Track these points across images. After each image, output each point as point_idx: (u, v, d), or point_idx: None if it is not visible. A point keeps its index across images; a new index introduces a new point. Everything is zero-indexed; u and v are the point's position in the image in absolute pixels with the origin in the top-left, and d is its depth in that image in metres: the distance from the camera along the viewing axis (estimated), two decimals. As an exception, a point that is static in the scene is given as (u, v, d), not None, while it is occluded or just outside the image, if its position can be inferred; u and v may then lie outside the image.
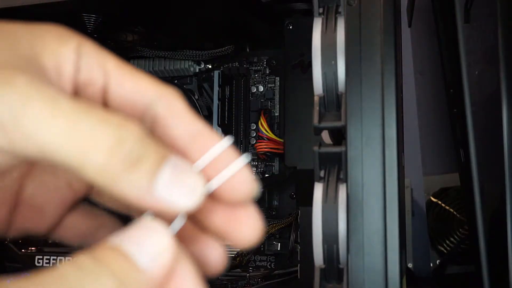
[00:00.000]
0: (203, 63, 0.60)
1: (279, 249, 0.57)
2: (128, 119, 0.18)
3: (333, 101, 0.31)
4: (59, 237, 0.24)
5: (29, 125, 0.17)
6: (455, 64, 0.45)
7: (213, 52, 0.57)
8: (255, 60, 0.61)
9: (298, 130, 0.51)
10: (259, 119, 0.59)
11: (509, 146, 0.36)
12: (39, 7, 0.44)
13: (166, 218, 0.19)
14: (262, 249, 0.58)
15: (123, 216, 0.24)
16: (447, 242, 0.77)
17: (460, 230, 0.77)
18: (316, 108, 0.30)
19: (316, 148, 0.30)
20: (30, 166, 0.22)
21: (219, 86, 0.59)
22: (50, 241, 0.62)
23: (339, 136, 0.35)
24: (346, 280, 0.29)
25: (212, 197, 0.20)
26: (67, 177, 0.23)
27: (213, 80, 0.59)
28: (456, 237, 0.77)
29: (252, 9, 0.51)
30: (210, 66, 0.60)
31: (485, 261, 0.39)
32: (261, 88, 0.61)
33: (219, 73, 0.59)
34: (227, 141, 0.20)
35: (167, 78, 0.61)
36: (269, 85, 0.61)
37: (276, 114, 0.60)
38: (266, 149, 0.58)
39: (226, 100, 0.60)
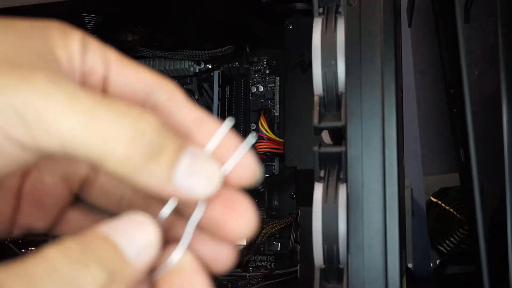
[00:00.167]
0: (203, 63, 0.60)
1: (279, 249, 0.57)
2: (146, 111, 0.18)
3: (333, 101, 0.31)
4: (60, 233, 0.24)
5: (51, 121, 0.17)
6: (455, 64, 0.45)
7: (213, 52, 0.57)
8: (255, 60, 0.61)
9: (298, 130, 0.51)
10: (259, 119, 0.59)
11: (509, 146, 0.36)
12: (39, 7, 0.44)
13: (186, 207, 0.20)
14: (262, 249, 0.58)
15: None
16: (447, 242, 0.77)
17: (460, 230, 0.77)
18: (316, 108, 0.30)
19: (316, 148, 0.30)
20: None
21: (219, 86, 0.59)
22: (49, 241, 0.62)
23: (339, 136, 0.35)
24: (346, 280, 0.29)
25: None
26: (61, 172, 0.23)
27: (213, 80, 0.59)
28: (456, 237, 0.77)
29: (252, 9, 0.51)
30: (210, 66, 0.60)
31: (485, 261, 0.39)
32: (261, 88, 0.61)
33: (219, 73, 0.59)
34: (229, 122, 0.21)
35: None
36: (269, 85, 0.61)
37: (276, 114, 0.60)
38: (266, 149, 0.58)
39: (226, 100, 0.60)
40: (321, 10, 0.32)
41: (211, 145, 0.20)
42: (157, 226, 0.19)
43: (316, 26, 0.31)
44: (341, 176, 0.30)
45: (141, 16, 0.52)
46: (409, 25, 0.73)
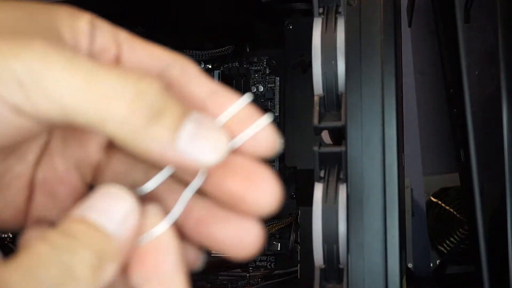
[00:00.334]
0: (203, 63, 0.60)
1: (279, 249, 0.57)
2: (148, 75, 0.18)
3: (333, 101, 0.31)
4: None
5: (49, 85, 0.17)
6: (455, 64, 0.45)
7: (213, 52, 0.57)
8: (255, 60, 0.61)
9: (298, 130, 0.51)
10: (259, 119, 0.59)
11: (509, 146, 0.36)
12: (39, 7, 0.44)
13: (188, 175, 0.19)
14: (262, 249, 0.58)
15: None
16: (447, 242, 0.77)
17: (460, 230, 0.77)
18: (316, 108, 0.30)
19: (316, 148, 0.30)
20: (43, 147, 0.22)
21: (219, 86, 0.59)
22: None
23: (339, 136, 0.35)
24: (346, 280, 0.29)
25: (234, 153, 0.20)
26: (73, 157, 0.23)
27: (213, 80, 0.59)
28: (456, 237, 0.77)
29: (252, 9, 0.51)
30: (210, 66, 0.60)
31: (485, 261, 0.39)
32: (261, 88, 0.61)
33: (219, 73, 0.59)
34: (247, 98, 0.20)
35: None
36: (269, 85, 0.61)
37: (276, 114, 0.60)
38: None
39: (226, 100, 0.60)
40: (321, 10, 0.32)
41: (224, 116, 0.20)
42: (131, 193, 0.19)
43: (316, 26, 0.31)
44: (341, 176, 0.30)
45: (141, 16, 0.52)
46: (409, 25, 0.73)
